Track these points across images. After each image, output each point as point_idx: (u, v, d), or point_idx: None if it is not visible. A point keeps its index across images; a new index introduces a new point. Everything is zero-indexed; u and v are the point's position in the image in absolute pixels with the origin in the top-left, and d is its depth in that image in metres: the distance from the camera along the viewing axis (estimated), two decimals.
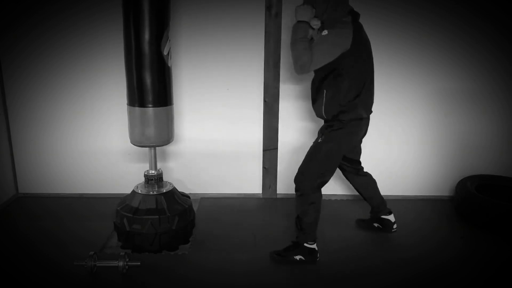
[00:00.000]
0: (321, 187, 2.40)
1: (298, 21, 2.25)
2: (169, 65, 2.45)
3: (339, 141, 2.37)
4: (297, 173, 2.43)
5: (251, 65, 3.11)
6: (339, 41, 2.18)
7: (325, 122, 2.45)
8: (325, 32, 2.18)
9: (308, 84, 3.11)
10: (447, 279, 2.32)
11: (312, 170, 2.38)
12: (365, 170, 2.72)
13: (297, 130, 3.23)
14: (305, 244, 2.42)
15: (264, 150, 3.27)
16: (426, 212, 3.16)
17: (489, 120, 3.25)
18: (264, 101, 3.17)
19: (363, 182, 2.71)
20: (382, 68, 3.07)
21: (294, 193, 2.43)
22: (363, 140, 2.60)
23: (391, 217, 2.74)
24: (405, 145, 3.29)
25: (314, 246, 2.44)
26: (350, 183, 2.74)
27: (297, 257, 2.41)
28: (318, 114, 2.43)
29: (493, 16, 3.03)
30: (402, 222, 2.83)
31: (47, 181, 3.29)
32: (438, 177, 3.37)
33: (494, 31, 3.06)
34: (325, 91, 2.31)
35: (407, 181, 3.37)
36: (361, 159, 2.69)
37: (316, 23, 2.27)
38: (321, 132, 2.43)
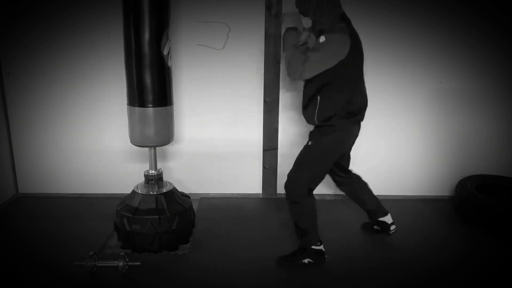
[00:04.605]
0: (312, 192, 2.37)
1: (287, 28, 2.26)
2: (169, 65, 2.45)
3: (329, 146, 2.32)
4: (286, 180, 2.38)
5: (251, 65, 3.11)
6: (337, 49, 2.12)
7: (315, 126, 2.39)
8: (322, 39, 2.12)
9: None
10: (447, 279, 2.32)
11: (302, 176, 2.34)
12: (358, 172, 2.67)
13: (297, 130, 3.23)
14: (312, 247, 2.40)
15: (264, 150, 3.27)
16: (426, 212, 3.16)
17: (489, 120, 3.25)
18: (264, 101, 3.17)
19: (351, 191, 2.68)
20: (382, 68, 3.08)
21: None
22: (359, 142, 2.52)
23: (387, 218, 2.69)
24: (405, 145, 3.29)
25: (321, 247, 2.42)
26: (339, 188, 2.71)
27: (305, 261, 2.40)
28: (309, 121, 2.37)
29: (493, 16, 3.03)
30: (402, 222, 2.83)
31: (47, 181, 3.29)
32: (438, 177, 3.37)
33: (494, 31, 3.06)
34: (319, 97, 2.25)
35: (407, 181, 3.37)
36: (356, 162, 2.63)
37: (307, 22, 2.22)
38: (311, 136, 2.38)
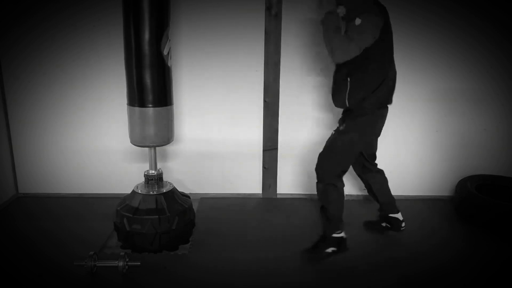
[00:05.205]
0: (342, 176, 2.41)
1: (326, 13, 2.26)
2: (169, 65, 2.45)
3: (361, 129, 2.34)
4: (317, 163, 2.42)
5: (251, 65, 3.11)
6: (371, 30, 2.16)
7: (345, 110, 2.42)
8: (358, 21, 2.15)
9: (309, 82, 3.13)
10: (447, 279, 2.32)
11: (334, 160, 2.38)
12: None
13: (297, 130, 3.23)
14: (333, 235, 2.42)
15: (264, 150, 3.27)
16: (426, 212, 3.16)
17: (489, 120, 3.25)
18: (264, 101, 3.17)
19: (377, 179, 2.68)
20: None
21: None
22: None
23: (399, 216, 2.72)
24: (404, 145, 3.29)
25: (342, 234, 2.44)
26: (362, 178, 2.71)
27: (329, 250, 2.42)
28: (339, 104, 2.38)
29: (493, 16, 3.03)
30: None
31: (47, 181, 3.29)
32: (438, 177, 3.37)
33: (494, 31, 3.06)
34: (349, 78, 2.27)
35: (407, 181, 3.37)
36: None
37: (341, 10, 2.26)
38: (342, 120, 2.41)
